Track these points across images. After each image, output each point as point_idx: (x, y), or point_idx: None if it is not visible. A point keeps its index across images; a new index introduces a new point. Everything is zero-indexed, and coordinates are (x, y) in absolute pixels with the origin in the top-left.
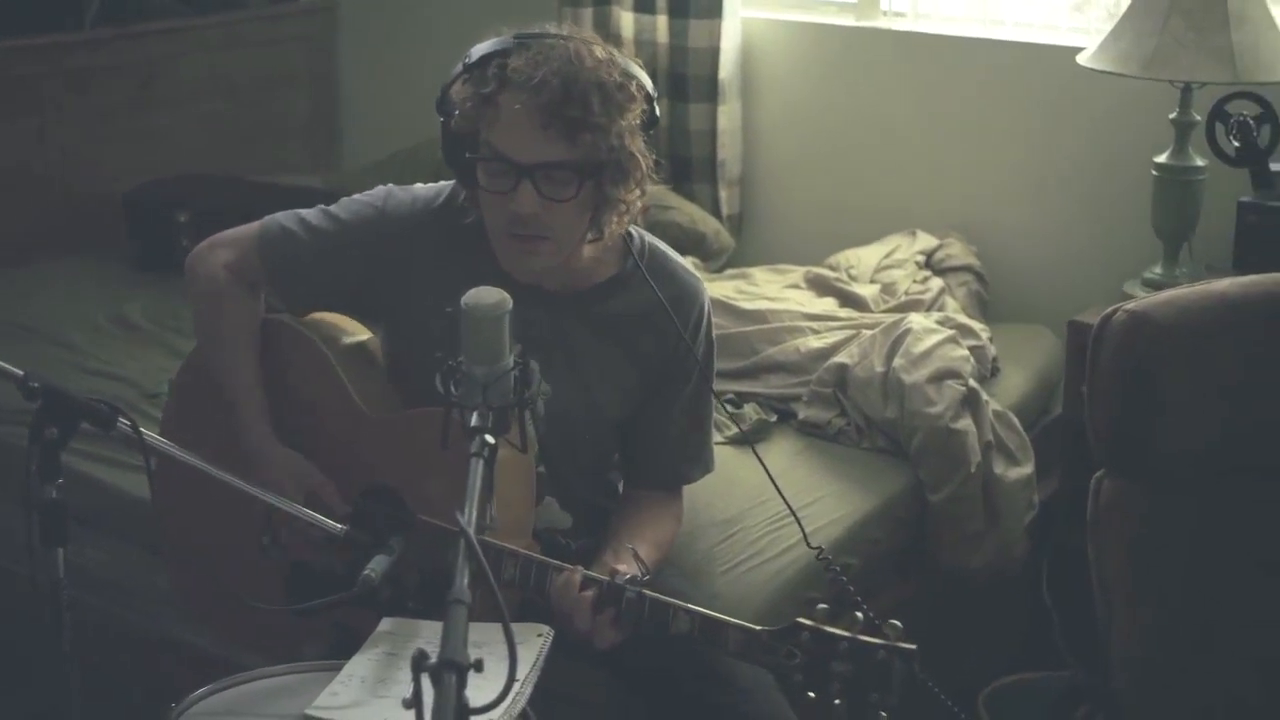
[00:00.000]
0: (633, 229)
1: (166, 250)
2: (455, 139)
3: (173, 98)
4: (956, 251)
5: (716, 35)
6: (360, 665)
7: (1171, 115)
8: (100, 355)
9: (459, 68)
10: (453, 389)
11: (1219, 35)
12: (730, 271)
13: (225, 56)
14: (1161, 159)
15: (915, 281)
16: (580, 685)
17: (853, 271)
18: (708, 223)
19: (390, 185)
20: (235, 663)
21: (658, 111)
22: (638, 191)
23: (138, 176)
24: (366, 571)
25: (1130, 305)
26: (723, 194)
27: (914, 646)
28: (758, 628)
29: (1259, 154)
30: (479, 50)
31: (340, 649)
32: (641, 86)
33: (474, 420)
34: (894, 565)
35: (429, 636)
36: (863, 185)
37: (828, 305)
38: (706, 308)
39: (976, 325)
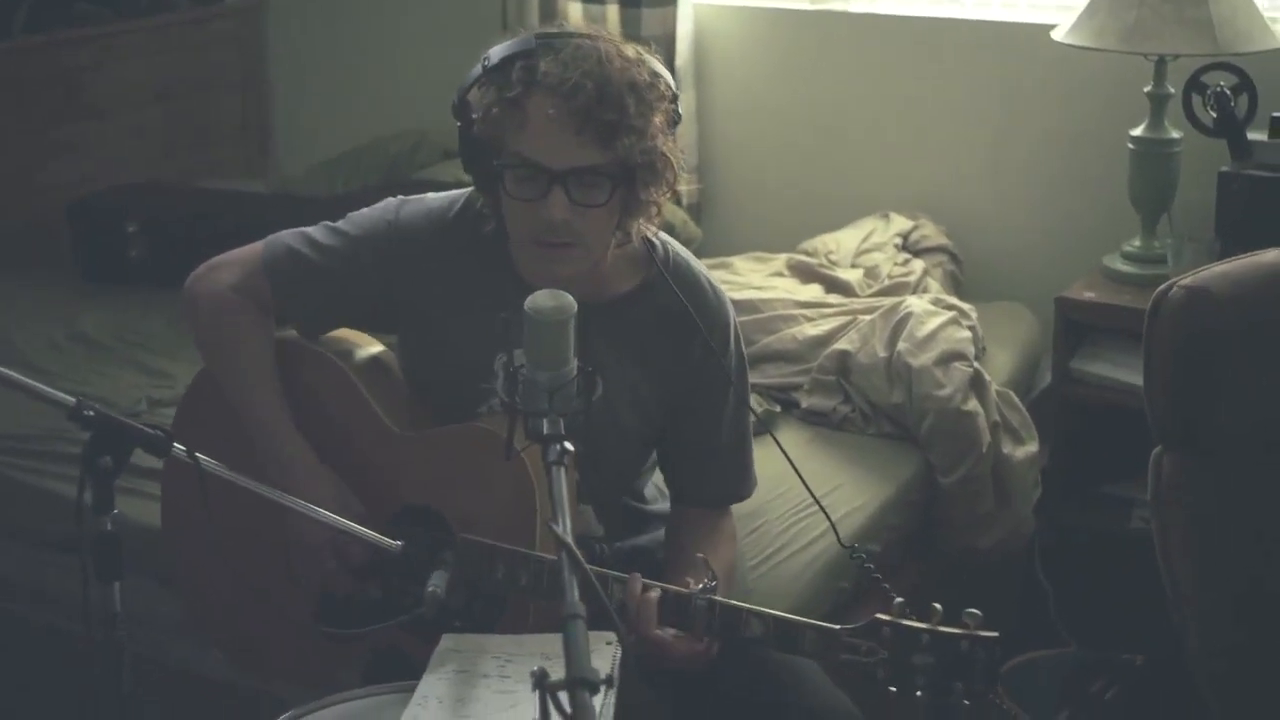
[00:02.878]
0: (655, 237)
1: (116, 262)
2: (476, 145)
3: (103, 105)
4: (930, 232)
5: (671, 23)
6: (434, 686)
7: (1146, 88)
8: (68, 375)
9: (477, 70)
10: (516, 395)
11: (1197, 7)
12: (708, 261)
13: (154, 61)
14: (1137, 132)
15: (896, 264)
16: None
17: (832, 257)
18: (674, 213)
19: (399, 196)
20: (256, 691)
21: (680, 109)
22: (668, 194)
23: (72, 187)
24: (431, 588)
25: (1185, 281)
26: (681, 183)
27: (996, 634)
28: (835, 627)
29: (1236, 124)
30: (498, 52)
31: (376, 673)
32: (669, 84)
33: (545, 428)
34: (903, 549)
35: (495, 651)
36: (823, 170)
37: (815, 292)
38: (734, 320)
39: (965, 305)
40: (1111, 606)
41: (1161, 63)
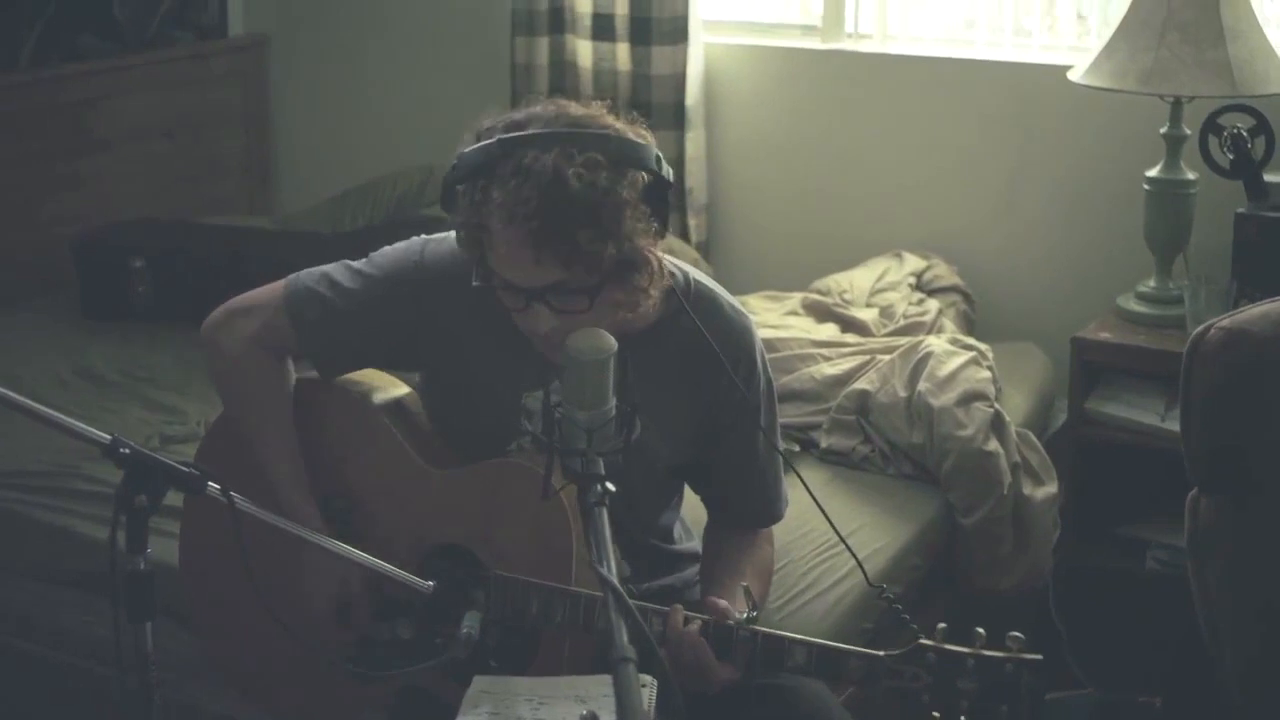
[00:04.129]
0: (678, 267)
1: (120, 297)
2: (464, 244)
3: (106, 140)
4: (942, 272)
5: (681, 61)
6: None
7: (1162, 129)
8: (77, 412)
9: (450, 171)
10: (554, 435)
11: (1216, 49)
12: None
13: (157, 96)
14: (1153, 173)
15: (911, 304)
16: None
17: (846, 296)
18: (687, 252)
19: (422, 236)
20: None
21: (667, 171)
22: (656, 279)
23: (75, 221)
24: (464, 630)
25: (1223, 322)
26: (691, 222)
27: (1040, 657)
28: (880, 653)
29: (1253, 166)
30: (466, 161)
31: (402, 714)
32: (641, 163)
33: (584, 468)
34: (922, 590)
35: (528, 693)
36: (834, 210)
37: (830, 331)
38: (759, 342)
39: (981, 346)
40: (1126, 648)
41: (1178, 104)
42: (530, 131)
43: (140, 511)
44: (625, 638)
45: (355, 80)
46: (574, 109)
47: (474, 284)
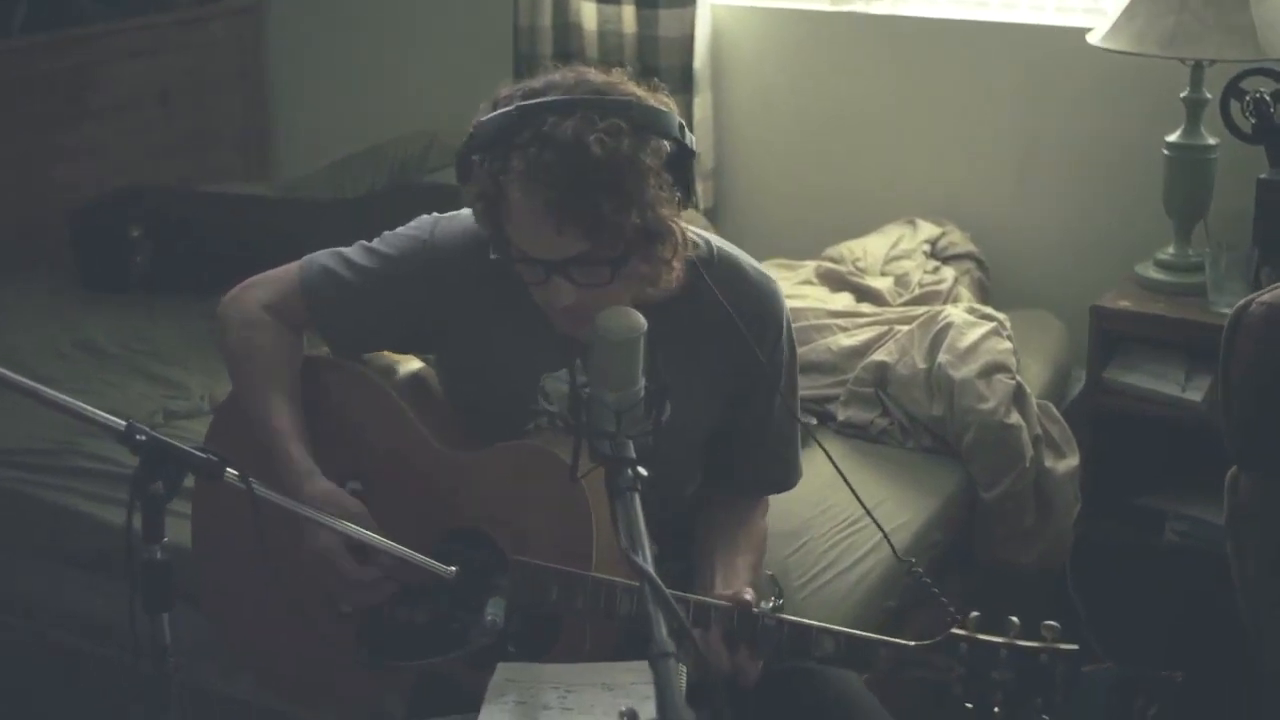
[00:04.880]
0: (700, 235)
1: (119, 268)
2: (480, 217)
3: (102, 106)
4: (956, 239)
5: (689, 23)
6: (495, 716)
7: (1183, 94)
8: (77, 385)
9: (466, 140)
10: (583, 416)
11: (1239, 13)
12: None
13: (153, 61)
14: (1173, 138)
15: (927, 272)
16: None
17: (860, 264)
18: (695, 219)
19: (434, 214)
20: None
21: (691, 140)
22: (679, 249)
23: (71, 189)
24: (489, 617)
25: (1265, 297)
26: (698, 187)
27: (1075, 647)
28: (911, 643)
29: (1275, 131)
30: (484, 128)
31: (420, 702)
32: (665, 131)
33: (613, 450)
34: (943, 565)
35: (554, 681)
36: (844, 175)
37: (846, 301)
38: (784, 308)
39: (1000, 316)
40: (1146, 621)
41: (1198, 68)
42: (550, 98)
43: (156, 498)
44: (664, 631)
45: (355, 43)
46: (594, 76)
47: (491, 256)
